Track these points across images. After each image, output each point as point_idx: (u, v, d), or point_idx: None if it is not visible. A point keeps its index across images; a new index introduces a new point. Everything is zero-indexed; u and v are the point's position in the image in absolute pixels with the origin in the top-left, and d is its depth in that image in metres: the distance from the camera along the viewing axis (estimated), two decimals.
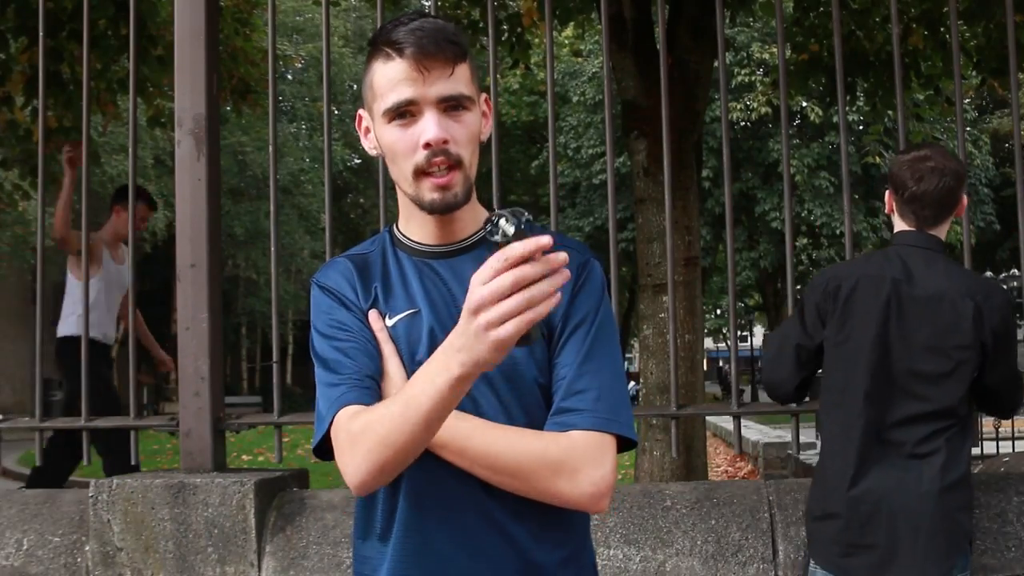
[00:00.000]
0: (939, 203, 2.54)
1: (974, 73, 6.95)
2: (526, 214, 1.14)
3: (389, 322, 1.52)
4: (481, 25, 6.57)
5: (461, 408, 1.39)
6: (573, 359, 1.46)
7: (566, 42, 22.27)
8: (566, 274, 1.15)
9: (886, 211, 2.68)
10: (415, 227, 1.56)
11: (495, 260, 1.13)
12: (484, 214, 1.56)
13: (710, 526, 2.91)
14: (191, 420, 3.17)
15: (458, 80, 1.45)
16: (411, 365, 1.49)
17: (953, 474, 2.43)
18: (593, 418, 1.44)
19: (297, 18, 24.33)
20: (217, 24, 3.43)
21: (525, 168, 26.10)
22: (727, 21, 7.12)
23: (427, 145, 1.43)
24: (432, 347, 1.45)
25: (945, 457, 2.42)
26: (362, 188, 30.36)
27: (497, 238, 1.14)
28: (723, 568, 2.86)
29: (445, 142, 1.43)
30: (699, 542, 2.90)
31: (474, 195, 1.55)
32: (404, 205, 1.56)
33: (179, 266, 3.22)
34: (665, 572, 2.87)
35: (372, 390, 1.45)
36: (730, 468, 12.64)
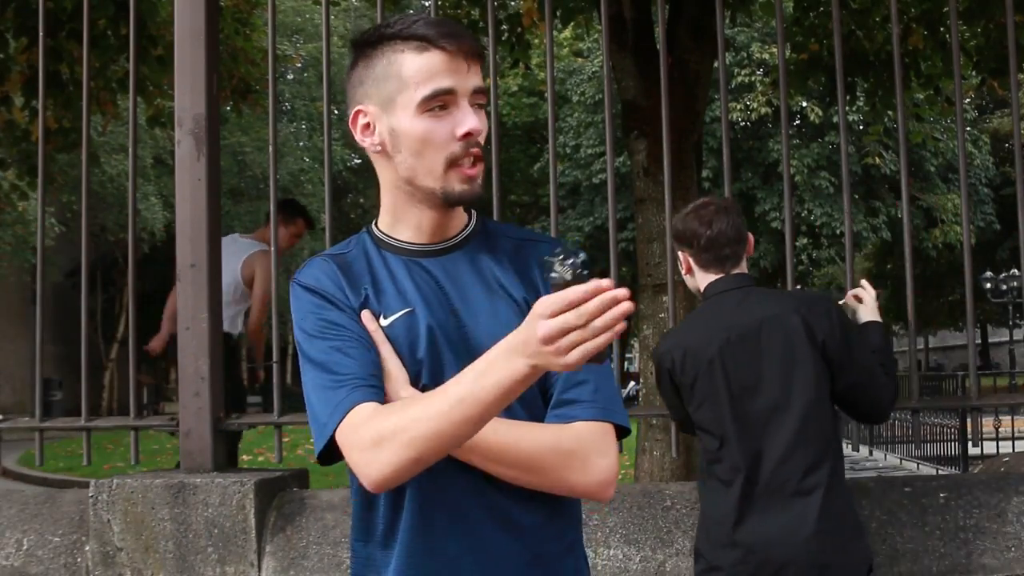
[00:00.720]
0: (735, 240, 2.61)
1: (973, 73, 6.95)
2: (582, 254, 1.21)
3: (384, 322, 1.49)
4: (481, 25, 6.56)
5: None
6: None
7: (566, 42, 22.28)
8: (629, 306, 1.19)
9: (683, 273, 2.72)
10: (405, 226, 1.54)
11: (558, 302, 1.19)
12: (468, 216, 1.59)
13: None
14: (191, 420, 3.17)
15: (481, 75, 1.49)
16: (412, 364, 1.48)
17: (837, 505, 2.45)
18: (594, 408, 1.47)
19: (297, 18, 24.32)
20: (217, 24, 3.43)
21: (525, 168, 26.10)
22: (727, 21, 7.12)
23: (467, 135, 1.45)
24: (432, 345, 1.47)
25: (825, 489, 2.43)
26: (362, 188, 30.33)
27: (556, 279, 1.20)
28: None
29: (479, 133, 1.46)
30: None
31: None
32: (396, 203, 1.54)
33: (179, 266, 3.21)
34: (665, 572, 2.87)
35: (379, 388, 1.43)
36: None
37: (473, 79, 1.46)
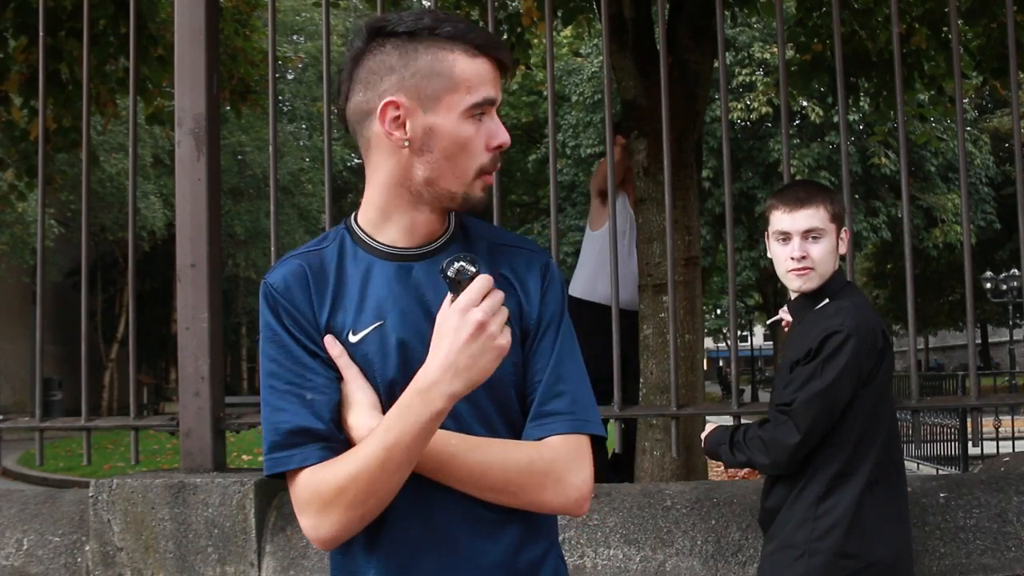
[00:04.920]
0: None
1: (975, 73, 6.94)
2: (472, 257, 1.36)
3: (354, 338, 1.45)
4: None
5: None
6: (547, 360, 1.49)
7: (565, 42, 22.28)
8: (501, 294, 1.36)
9: (843, 252, 2.62)
10: (395, 227, 1.49)
11: (475, 291, 1.34)
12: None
13: (710, 526, 2.91)
14: (191, 420, 3.17)
15: None
16: (383, 383, 1.44)
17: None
18: (572, 421, 1.46)
19: (297, 18, 24.32)
20: (217, 24, 3.43)
21: (525, 168, 26.10)
22: (728, 21, 7.12)
23: (499, 147, 1.46)
24: (404, 362, 1.44)
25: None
26: (362, 188, 30.32)
27: (466, 276, 1.35)
28: (723, 568, 2.86)
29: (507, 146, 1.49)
30: (699, 542, 2.90)
31: None
32: (391, 202, 1.49)
33: (179, 266, 3.21)
34: (665, 572, 2.86)
35: (332, 441, 1.41)
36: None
37: (500, 90, 1.48)
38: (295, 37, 25.33)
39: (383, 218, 1.49)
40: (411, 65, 1.42)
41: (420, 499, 1.43)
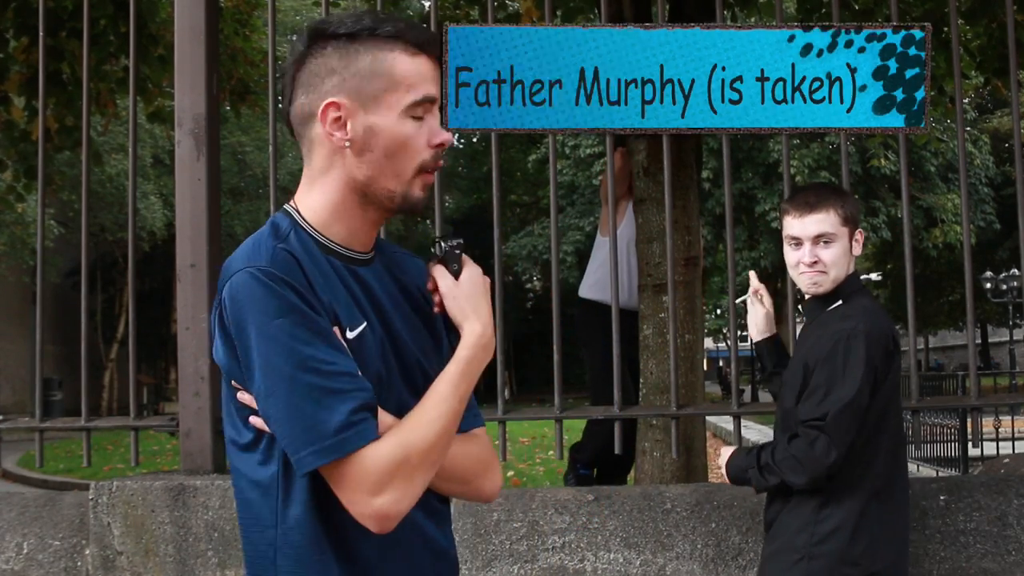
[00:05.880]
0: None
1: (975, 73, 6.93)
2: (452, 231, 1.45)
3: (350, 334, 1.42)
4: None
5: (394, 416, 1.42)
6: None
7: None
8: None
9: (856, 253, 2.60)
10: (343, 230, 1.47)
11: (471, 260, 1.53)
12: None
13: (710, 529, 2.91)
14: (191, 420, 3.16)
15: None
16: (371, 381, 1.42)
17: None
18: (479, 416, 1.58)
19: (297, 18, 24.31)
20: (217, 24, 3.43)
21: (525, 168, 26.09)
22: (727, 21, 7.11)
23: (440, 145, 1.47)
24: (386, 361, 1.46)
25: None
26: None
27: (460, 249, 1.52)
28: (723, 572, 2.86)
29: (449, 145, 1.50)
30: (699, 545, 2.89)
31: None
32: (341, 204, 1.46)
33: (179, 266, 3.21)
34: (665, 575, 2.86)
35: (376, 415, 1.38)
36: None
37: (438, 88, 1.49)
38: (295, 37, 25.34)
39: (333, 220, 1.47)
40: (351, 66, 1.43)
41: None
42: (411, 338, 1.50)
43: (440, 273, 1.51)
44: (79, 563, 3.07)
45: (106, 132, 15.67)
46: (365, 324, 1.45)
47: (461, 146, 32.06)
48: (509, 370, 33.30)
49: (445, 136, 1.48)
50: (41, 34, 3.52)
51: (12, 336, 23.61)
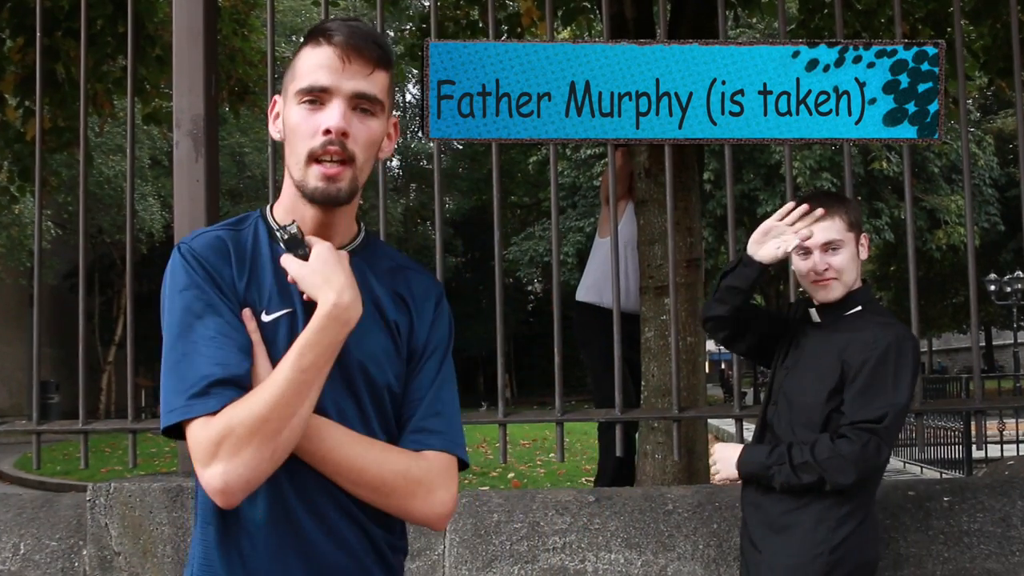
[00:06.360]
0: None
1: (979, 74, 6.91)
2: (293, 229, 1.49)
3: (267, 318, 1.48)
4: (481, 25, 6.54)
5: (325, 415, 1.44)
6: (431, 381, 1.56)
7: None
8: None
9: (863, 257, 2.62)
10: (296, 220, 1.54)
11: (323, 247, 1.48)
12: (357, 227, 1.61)
13: (712, 530, 2.89)
14: None
15: (374, 83, 1.50)
16: None
17: None
18: (447, 440, 1.53)
19: (296, 18, 24.31)
20: (215, 24, 3.41)
21: (526, 170, 26.09)
22: (730, 21, 7.10)
23: (327, 131, 1.46)
24: None
25: None
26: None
27: (301, 234, 1.49)
28: (725, 573, 2.84)
29: (344, 134, 1.47)
30: (701, 546, 2.88)
31: (356, 207, 1.58)
32: (289, 196, 1.55)
33: None
34: None
35: (246, 391, 1.41)
36: None
37: (359, 83, 1.48)
38: (294, 37, 25.31)
39: (287, 212, 1.55)
40: (292, 65, 1.52)
41: (298, 483, 1.46)
42: (356, 338, 1.48)
43: (288, 261, 1.47)
44: (76, 564, 3.05)
45: (102, 133, 15.63)
46: (287, 311, 1.49)
47: (461, 147, 32.08)
48: (510, 373, 33.25)
49: (331, 122, 1.46)
50: (38, 34, 3.50)
51: (9, 338, 23.60)
